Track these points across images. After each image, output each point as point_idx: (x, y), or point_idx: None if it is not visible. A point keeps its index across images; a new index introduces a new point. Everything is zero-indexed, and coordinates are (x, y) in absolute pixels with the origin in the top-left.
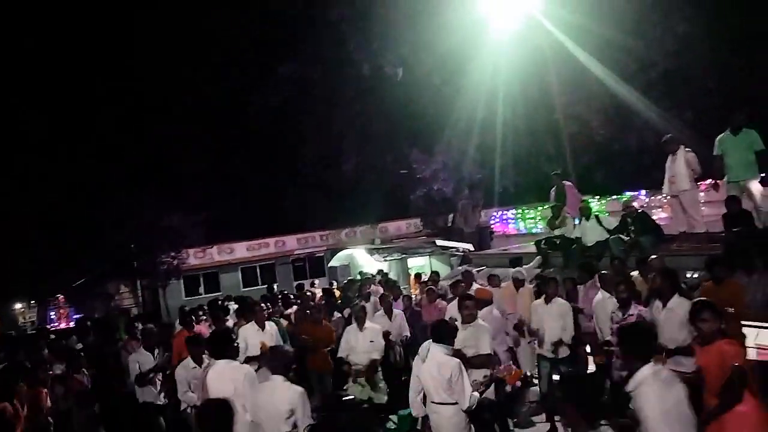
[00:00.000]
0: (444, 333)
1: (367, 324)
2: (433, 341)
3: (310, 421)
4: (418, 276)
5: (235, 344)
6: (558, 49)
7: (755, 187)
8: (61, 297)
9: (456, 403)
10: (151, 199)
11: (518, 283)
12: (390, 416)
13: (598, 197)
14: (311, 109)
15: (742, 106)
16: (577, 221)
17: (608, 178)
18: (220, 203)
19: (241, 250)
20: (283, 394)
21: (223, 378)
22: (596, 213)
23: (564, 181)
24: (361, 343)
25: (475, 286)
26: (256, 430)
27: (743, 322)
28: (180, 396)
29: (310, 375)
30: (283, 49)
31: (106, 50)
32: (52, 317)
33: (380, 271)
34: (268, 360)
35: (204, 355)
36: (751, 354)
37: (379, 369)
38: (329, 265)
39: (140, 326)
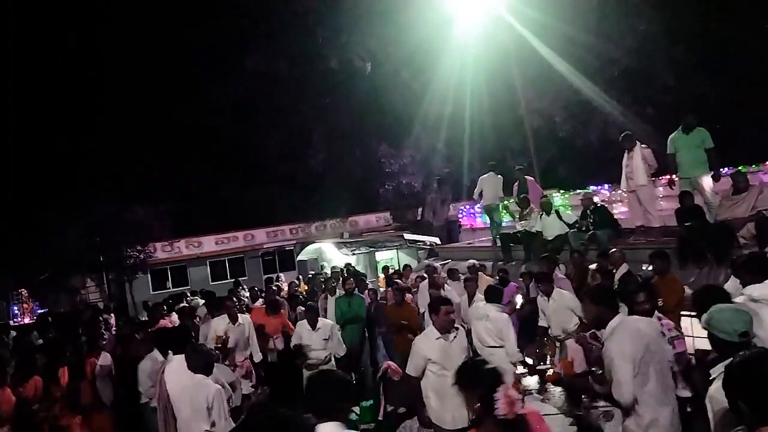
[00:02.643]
0: (496, 295)
1: (320, 322)
2: (487, 302)
3: (225, 421)
4: (385, 269)
5: (193, 340)
6: (522, 45)
7: (706, 183)
8: (24, 292)
9: (503, 347)
10: (116, 191)
11: (474, 272)
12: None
13: (561, 191)
14: (279, 103)
15: (694, 105)
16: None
17: (571, 172)
18: (187, 197)
19: (209, 244)
20: (201, 393)
21: (180, 372)
22: (557, 208)
23: (526, 176)
24: (315, 341)
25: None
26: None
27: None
28: (143, 389)
29: (395, 355)
30: (249, 42)
31: (65, 44)
32: (15, 312)
33: (347, 265)
34: (188, 358)
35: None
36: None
37: (333, 362)
38: (298, 258)
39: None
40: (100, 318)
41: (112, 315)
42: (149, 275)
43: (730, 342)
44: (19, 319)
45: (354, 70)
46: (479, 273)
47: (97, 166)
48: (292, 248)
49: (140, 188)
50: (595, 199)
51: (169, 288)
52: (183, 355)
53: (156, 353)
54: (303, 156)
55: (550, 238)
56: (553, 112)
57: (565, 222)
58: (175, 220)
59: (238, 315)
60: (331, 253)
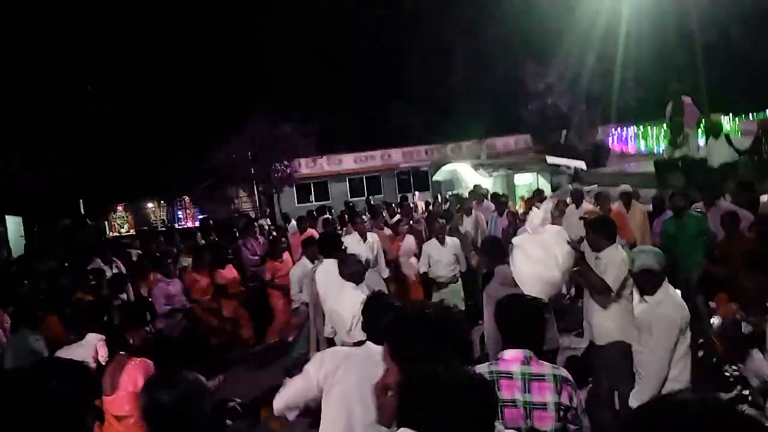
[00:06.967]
0: None
1: (448, 239)
2: None
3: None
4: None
5: (343, 247)
6: None
7: None
8: (187, 198)
9: None
10: (265, 109)
11: (626, 199)
12: None
13: (731, 116)
14: (421, 21)
15: None
16: (702, 140)
17: (745, 95)
18: (330, 115)
19: (348, 162)
20: (348, 300)
21: (332, 274)
22: (726, 132)
23: (683, 96)
24: (445, 257)
25: (585, 206)
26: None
27: None
28: (292, 295)
29: None
30: None
31: None
32: (179, 216)
33: (477, 186)
34: (339, 265)
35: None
36: None
37: (459, 280)
38: (433, 179)
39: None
40: (255, 224)
41: (267, 219)
42: (294, 189)
43: None
44: (183, 223)
45: None
46: (632, 201)
47: (250, 84)
48: (426, 169)
49: (287, 108)
50: None
51: (312, 201)
52: (333, 259)
53: (305, 260)
54: (442, 75)
55: (715, 166)
56: (730, 25)
57: (735, 148)
58: (319, 138)
59: (367, 233)
60: (467, 175)
